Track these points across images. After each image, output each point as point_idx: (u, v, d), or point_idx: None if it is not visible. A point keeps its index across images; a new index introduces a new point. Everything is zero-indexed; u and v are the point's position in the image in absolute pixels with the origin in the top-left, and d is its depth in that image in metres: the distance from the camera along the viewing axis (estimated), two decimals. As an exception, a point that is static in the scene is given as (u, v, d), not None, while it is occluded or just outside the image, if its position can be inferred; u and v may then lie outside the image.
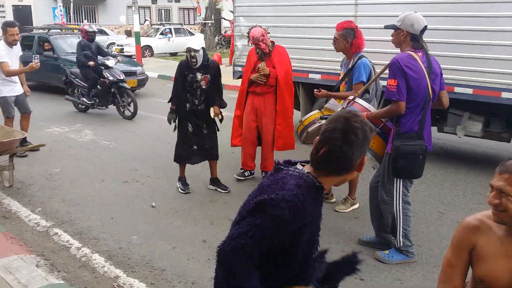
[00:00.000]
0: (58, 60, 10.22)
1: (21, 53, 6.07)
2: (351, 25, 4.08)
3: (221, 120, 4.78)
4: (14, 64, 5.79)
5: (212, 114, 4.78)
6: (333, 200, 4.56)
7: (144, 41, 20.40)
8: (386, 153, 3.28)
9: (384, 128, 3.36)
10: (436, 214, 4.33)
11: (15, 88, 5.86)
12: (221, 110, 4.77)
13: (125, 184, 5.12)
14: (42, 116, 8.36)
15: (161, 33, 21.61)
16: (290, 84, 5.01)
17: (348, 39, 4.04)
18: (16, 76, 5.90)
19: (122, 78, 8.41)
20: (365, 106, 3.48)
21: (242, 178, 5.26)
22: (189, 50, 4.51)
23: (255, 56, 4.96)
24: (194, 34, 21.77)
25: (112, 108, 8.61)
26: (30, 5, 28.06)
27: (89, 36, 8.49)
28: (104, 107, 8.68)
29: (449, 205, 4.55)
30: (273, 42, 4.92)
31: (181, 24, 25.33)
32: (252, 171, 5.34)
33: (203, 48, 4.60)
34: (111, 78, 8.27)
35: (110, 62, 8.46)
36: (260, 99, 4.95)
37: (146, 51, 20.36)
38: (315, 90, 4.20)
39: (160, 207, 4.51)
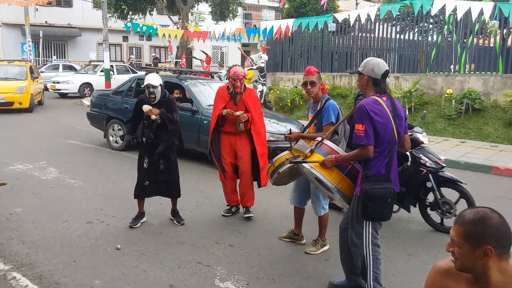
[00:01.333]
0: (197, 115, 7.70)
1: None
2: (316, 69, 4.23)
3: (154, 121, 4.76)
4: None
5: (145, 108, 4.72)
6: (304, 241, 4.54)
7: (83, 78, 20.17)
8: (354, 195, 3.32)
9: (352, 170, 3.42)
10: (405, 256, 4.36)
11: None
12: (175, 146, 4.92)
13: (89, 225, 4.95)
14: (5, 153, 8.10)
15: (102, 70, 20.05)
16: (262, 123, 5.25)
17: (320, 81, 4.17)
18: None
19: None
20: (333, 148, 3.54)
21: (229, 214, 5.32)
22: (148, 86, 4.71)
23: (226, 96, 5.11)
24: (136, 72, 20.73)
25: (75, 144, 8.42)
26: None
27: None
28: None
29: (417, 247, 4.60)
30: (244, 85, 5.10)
31: (123, 61, 24.69)
32: (238, 206, 5.41)
33: (161, 84, 4.79)
34: None
35: None
36: (236, 137, 5.14)
37: (86, 89, 19.71)
38: (286, 132, 4.26)
39: (125, 249, 4.36)
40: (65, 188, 6.27)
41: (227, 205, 5.40)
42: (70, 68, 23.87)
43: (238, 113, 5.00)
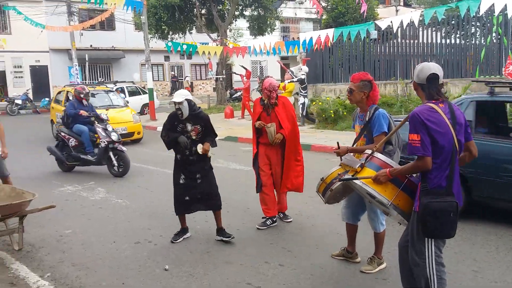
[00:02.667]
0: None
1: None
2: (368, 77, 4.02)
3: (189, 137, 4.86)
4: None
5: (199, 150, 4.81)
6: (358, 259, 4.30)
7: None
8: (413, 211, 3.08)
9: (409, 184, 3.19)
10: (470, 273, 4.04)
11: None
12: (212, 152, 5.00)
13: (137, 245, 4.94)
14: (55, 174, 8.35)
15: (122, 91, 19.39)
16: (296, 133, 5.38)
17: (365, 91, 3.96)
18: None
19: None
20: (385, 161, 3.32)
21: (265, 227, 5.28)
22: (174, 103, 4.78)
23: (259, 107, 5.34)
24: (146, 93, 19.43)
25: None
26: (47, 65, 29.09)
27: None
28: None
29: (483, 263, 4.26)
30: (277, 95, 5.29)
31: (132, 82, 23.13)
32: (275, 219, 5.40)
33: (187, 100, 4.79)
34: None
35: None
36: (271, 148, 5.30)
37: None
38: (333, 147, 4.08)
39: (173, 270, 4.29)
40: (113, 208, 6.33)
41: (263, 217, 5.36)
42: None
43: (269, 125, 5.17)
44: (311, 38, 14.46)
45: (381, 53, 15.11)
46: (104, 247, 4.91)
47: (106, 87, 14.20)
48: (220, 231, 5.03)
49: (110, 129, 8.54)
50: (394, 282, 3.82)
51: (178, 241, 4.95)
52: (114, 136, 8.35)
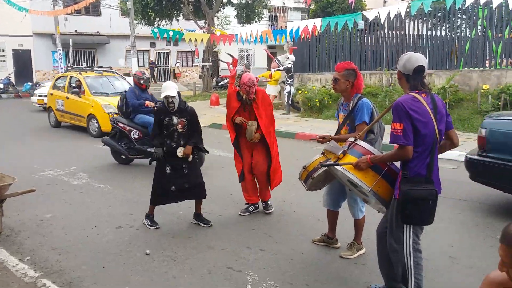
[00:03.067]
0: None
1: None
2: (352, 66, 4.03)
3: (190, 160, 4.90)
4: None
5: (178, 153, 4.82)
6: (338, 245, 4.35)
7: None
8: (393, 198, 3.12)
9: (389, 172, 3.23)
10: (447, 260, 4.12)
11: None
12: (196, 151, 4.98)
13: (118, 230, 4.92)
14: (37, 159, 8.23)
15: None
16: (271, 130, 5.32)
17: (350, 79, 3.98)
18: None
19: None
20: (367, 149, 3.35)
21: (247, 213, 5.29)
22: (166, 97, 4.73)
23: (236, 102, 5.22)
24: (125, 78, 18.24)
25: (104, 149, 8.44)
26: (30, 49, 28.55)
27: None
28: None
29: (460, 249, 4.35)
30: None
31: (110, 67, 22.56)
32: (257, 205, 5.43)
33: (178, 92, 4.82)
34: None
35: None
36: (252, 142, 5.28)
37: None
38: (317, 136, 4.10)
39: (154, 254, 4.29)
40: (95, 193, 6.29)
41: (245, 204, 5.40)
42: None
43: (250, 123, 5.12)
44: (299, 27, 14.43)
45: (368, 43, 15.17)
46: (85, 231, 4.88)
47: (95, 72, 13.36)
48: (198, 216, 5.08)
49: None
50: (372, 268, 3.87)
51: (156, 226, 4.95)
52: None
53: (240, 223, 5.09)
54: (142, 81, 7.86)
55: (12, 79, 24.29)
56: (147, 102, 7.70)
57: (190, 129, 4.93)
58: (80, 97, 11.56)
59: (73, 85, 12.09)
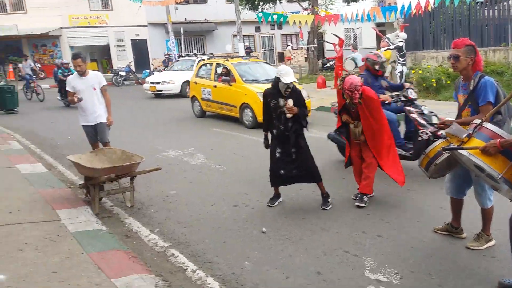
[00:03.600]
0: None
1: (104, 82, 6.06)
2: (470, 42, 3.71)
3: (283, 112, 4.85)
4: (86, 92, 5.88)
5: (290, 103, 4.75)
6: (464, 235, 4.10)
7: (184, 76, 17.20)
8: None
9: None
10: None
11: (88, 118, 6.01)
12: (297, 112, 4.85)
13: (235, 208, 5.17)
14: (159, 141, 8.94)
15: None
16: (382, 128, 5.05)
17: (471, 56, 3.67)
18: (90, 106, 5.93)
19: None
20: (496, 132, 3.08)
21: (363, 205, 5.06)
22: (288, 86, 4.78)
23: (342, 99, 5.11)
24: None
25: (218, 132, 8.86)
26: (146, 39, 30.78)
27: None
28: None
29: None
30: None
31: (212, 54, 21.40)
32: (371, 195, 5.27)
33: None
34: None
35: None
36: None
37: (187, 87, 16.14)
38: (437, 122, 3.86)
39: (270, 233, 4.45)
40: (212, 173, 6.67)
41: (359, 193, 5.18)
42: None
43: (355, 123, 5.02)
44: (410, 3, 13.58)
45: (489, 17, 13.80)
46: (205, 208, 5.22)
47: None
48: (322, 196, 5.12)
49: (427, 112, 6.00)
50: (503, 260, 3.60)
51: (274, 205, 5.14)
52: (435, 119, 5.85)
53: (354, 207, 5.03)
54: (377, 67, 6.29)
55: (132, 67, 26.48)
56: (382, 97, 6.07)
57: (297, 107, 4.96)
58: (231, 85, 10.70)
59: (219, 72, 11.43)
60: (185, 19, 30.67)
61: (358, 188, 5.23)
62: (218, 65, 11.75)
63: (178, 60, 20.36)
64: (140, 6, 25.61)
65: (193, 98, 12.44)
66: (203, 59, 18.10)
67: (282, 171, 4.98)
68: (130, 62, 27.02)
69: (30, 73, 17.66)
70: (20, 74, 18.57)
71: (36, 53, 29.41)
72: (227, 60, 11.27)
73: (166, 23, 26.59)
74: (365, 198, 5.10)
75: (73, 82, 5.90)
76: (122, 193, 5.42)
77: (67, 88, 5.96)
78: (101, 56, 31.01)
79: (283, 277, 3.61)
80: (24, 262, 3.65)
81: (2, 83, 16.62)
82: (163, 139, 9.20)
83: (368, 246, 4.07)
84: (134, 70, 25.94)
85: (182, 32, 27.47)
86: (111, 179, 5.11)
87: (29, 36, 27.90)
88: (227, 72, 11.02)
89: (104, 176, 4.98)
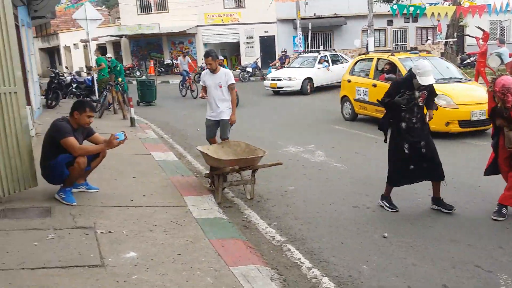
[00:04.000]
0: None
1: (231, 81, 6.23)
2: None
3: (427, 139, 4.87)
4: (212, 89, 6.22)
5: (427, 119, 4.89)
6: None
7: (305, 73, 17.30)
8: None
9: None
10: None
11: (212, 113, 6.33)
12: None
13: (355, 209, 5.06)
14: (280, 137, 9.14)
15: (319, 62, 17.90)
16: None
17: None
18: (214, 102, 6.24)
19: None
20: None
21: (501, 218, 4.57)
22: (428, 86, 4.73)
23: (492, 102, 4.66)
24: (348, 61, 17.48)
25: (340, 129, 8.73)
26: (274, 35, 31.59)
27: None
28: None
29: None
30: None
31: (334, 50, 21.22)
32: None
33: None
34: None
35: None
36: None
37: (308, 84, 17.07)
38: None
39: (392, 238, 4.26)
40: (332, 171, 6.61)
41: (498, 204, 4.68)
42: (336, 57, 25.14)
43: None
44: None
45: None
46: (323, 206, 5.19)
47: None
48: (438, 200, 4.87)
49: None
50: None
51: (395, 209, 4.94)
52: None
53: (491, 220, 4.56)
54: None
55: (259, 63, 27.43)
56: None
57: (427, 100, 4.95)
58: None
59: (380, 69, 10.22)
60: (314, 14, 30.72)
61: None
62: (379, 60, 10.30)
63: (298, 57, 20.01)
64: (271, 3, 26.38)
65: (344, 99, 11.18)
66: (325, 55, 18.15)
67: (412, 166, 4.81)
68: (257, 59, 28.02)
69: (187, 69, 17.63)
70: (177, 70, 19.51)
71: (174, 50, 32.11)
72: (393, 55, 9.85)
73: (294, 19, 26.98)
74: (504, 210, 4.59)
75: (204, 77, 6.34)
76: (243, 185, 5.66)
77: (200, 83, 6.41)
78: (231, 53, 32.68)
79: (404, 286, 3.43)
80: (153, 242, 4.03)
81: (143, 77, 18.38)
82: (284, 135, 9.37)
83: (505, 262, 3.68)
84: (260, 66, 26.82)
85: (310, 27, 27.61)
86: (235, 171, 5.36)
87: (169, 34, 30.63)
88: (391, 69, 9.71)
89: (228, 167, 5.26)
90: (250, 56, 30.38)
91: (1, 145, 4.44)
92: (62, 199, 4.70)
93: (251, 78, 24.70)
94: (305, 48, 27.40)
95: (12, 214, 4.33)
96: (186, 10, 29.05)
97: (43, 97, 13.51)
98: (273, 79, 17.45)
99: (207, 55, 6.12)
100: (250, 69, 24.68)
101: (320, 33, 31.67)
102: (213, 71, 6.20)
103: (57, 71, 15.19)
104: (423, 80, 4.53)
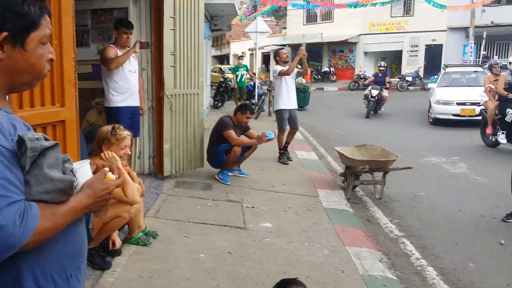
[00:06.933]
0: None
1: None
2: None
3: None
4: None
5: None
6: None
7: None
8: None
9: None
10: None
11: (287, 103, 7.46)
12: None
13: (480, 218, 5.32)
14: (425, 146, 9.39)
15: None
16: None
17: None
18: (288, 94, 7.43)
19: None
20: None
21: None
22: None
23: None
24: None
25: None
26: (442, 44, 30.36)
27: None
28: None
29: None
30: None
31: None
32: None
33: None
34: None
35: None
36: None
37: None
38: None
39: (508, 246, 4.52)
40: (469, 183, 6.80)
41: None
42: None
43: None
44: None
45: None
46: (449, 212, 5.56)
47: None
48: None
49: None
50: None
51: (509, 220, 5.10)
52: None
53: None
54: None
55: (421, 73, 26.77)
56: None
57: None
58: None
59: None
60: (492, 22, 28.69)
61: None
62: None
63: (447, 72, 14.66)
64: (442, 11, 25.56)
65: None
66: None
67: None
68: (419, 68, 27.39)
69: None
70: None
71: (333, 59, 33.21)
72: None
73: (467, 27, 25.69)
74: None
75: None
76: (373, 185, 6.30)
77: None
78: (391, 61, 32.39)
79: (504, 284, 3.79)
80: (285, 219, 5.01)
81: (304, 82, 19.61)
82: (430, 145, 9.57)
83: None
84: (421, 76, 26.19)
85: (484, 36, 25.94)
86: (365, 171, 6.05)
87: (330, 43, 31.83)
88: None
89: (360, 167, 5.98)
90: (413, 65, 29.73)
91: (184, 132, 5.91)
92: (220, 179, 6.02)
93: (410, 88, 24.36)
94: (476, 58, 25.88)
95: (184, 185, 5.77)
96: (351, 19, 29.82)
97: (211, 98, 15.78)
98: (458, 103, 12.28)
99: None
100: (410, 78, 24.37)
101: (496, 42, 29.40)
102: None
103: (226, 76, 17.46)
104: None
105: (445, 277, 3.95)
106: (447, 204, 5.85)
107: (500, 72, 9.86)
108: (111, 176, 1.52)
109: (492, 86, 9.31)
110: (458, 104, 12.23)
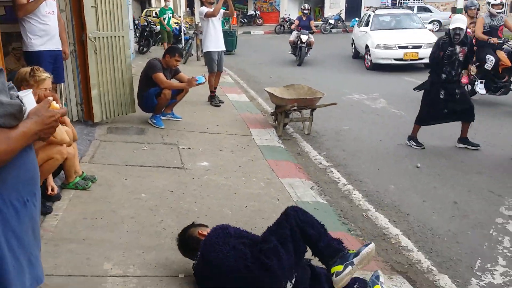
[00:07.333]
0: None
1: None
2: None
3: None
4: None
5: (457, 50, 5.45)
6: None
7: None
8: None
9: None
10: None
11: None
12: None
13: (400, 146, 5.85)
14: (345, 85, 9.87)
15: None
16: None
17: None
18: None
19: None
20: None
21: None
22: (454, 29, 5.40)
23: None
24: None
25: (411, 81, 9.22)
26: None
27: None
28: None
29: None
30: None
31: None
32: None
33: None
34: None
35: None
36: None
37: None
38: None
39: (424, 169, 5.05)
40: (389, 117, 7.36)
41: None
42: (424, 10, 24.42)
43: None
44: None
45: None
46: (371, 143, 6.04)
47: None
48: (465, 140, 5.65)
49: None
50: None
51: (422, 147, 5.72)
52: None
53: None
54: None
55: (342, 15, 27.39)
56: None
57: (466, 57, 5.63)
58: None
59: None
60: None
61: None
62: None
63: (377, 15, 14.02)
64: None
65: None
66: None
67: (445, 110, 5.57)
68: (340, 11, 27.96)
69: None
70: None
71: (258, 1, 32.87)
72: None
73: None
74: None
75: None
76: (302, 122, 6.62)
77: None
78: (315, 4, 32.68)
79: (420, 201, 4.29)
80: (221, 157, 5.18)
81: (226, 27, 19.41)
82: (351, 84, 10.09)
83: (524, 195, 4.36)
84: (343, 18, 26.82)
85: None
86: (294, 109, 6.31)
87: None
88: None
89: (289, 105, 6.22)
90: (335, 8, 30.25)
91: (112, 77, 5.76)
92: (153, 123, 6.01)
93: (333, 30, 24.92)
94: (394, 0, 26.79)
95: (116, 131, 5.71)
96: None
97: (135, 44, 15.19)
98: (400, 47, 11.88)
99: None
100: (332, 21, 24.87)
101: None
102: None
103: (149, 20, 16.78)
104: (453, 25, 5.43)
105: (369, 198, 4.38)
106: (369, 136, 6.32)
107: (476, 15, 8.70)
108: (55, 105, 1.59)
109: (469, 31, 7.80)
110: (400, 48, 11.83)
